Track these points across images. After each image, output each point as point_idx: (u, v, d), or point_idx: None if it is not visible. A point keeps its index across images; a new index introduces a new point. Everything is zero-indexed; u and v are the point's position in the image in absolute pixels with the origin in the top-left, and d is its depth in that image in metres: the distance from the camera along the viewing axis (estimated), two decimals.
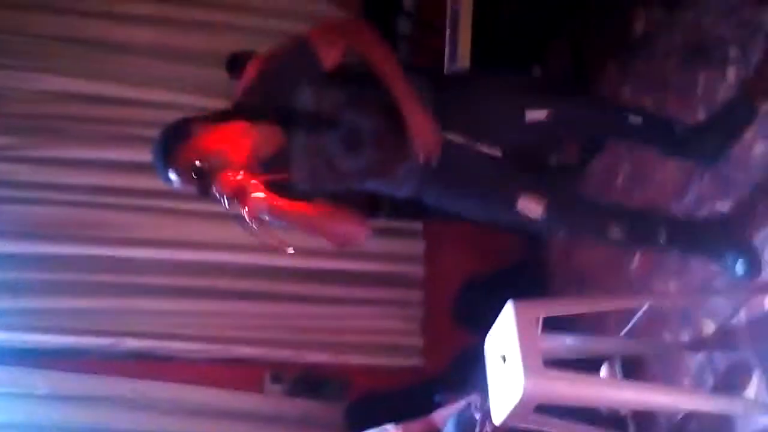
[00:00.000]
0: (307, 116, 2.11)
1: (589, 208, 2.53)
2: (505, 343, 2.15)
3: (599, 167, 3.44)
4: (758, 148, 2.41)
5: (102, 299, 3.89)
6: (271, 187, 2.04)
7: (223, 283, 3.97)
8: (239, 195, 1.99)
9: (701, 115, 2.67)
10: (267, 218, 2.04)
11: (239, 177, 2.00)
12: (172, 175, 2.05)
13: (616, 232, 2.33)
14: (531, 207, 2.26)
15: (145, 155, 3.49)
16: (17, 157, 3.90)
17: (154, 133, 3.92)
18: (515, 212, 2.27)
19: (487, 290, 4.20)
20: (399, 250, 4.20)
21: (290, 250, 2.06)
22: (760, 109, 2.39)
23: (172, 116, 3.73)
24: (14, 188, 3.88)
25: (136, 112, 4.01)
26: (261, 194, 2.01)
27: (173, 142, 2.06)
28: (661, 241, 2.36)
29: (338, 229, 2.22)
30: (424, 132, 2.13)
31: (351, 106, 2.15)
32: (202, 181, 2.00)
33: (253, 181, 2.02)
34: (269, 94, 2.12)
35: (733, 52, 2.58)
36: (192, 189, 2.05)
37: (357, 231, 2.23)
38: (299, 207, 2.12)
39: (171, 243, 3.96)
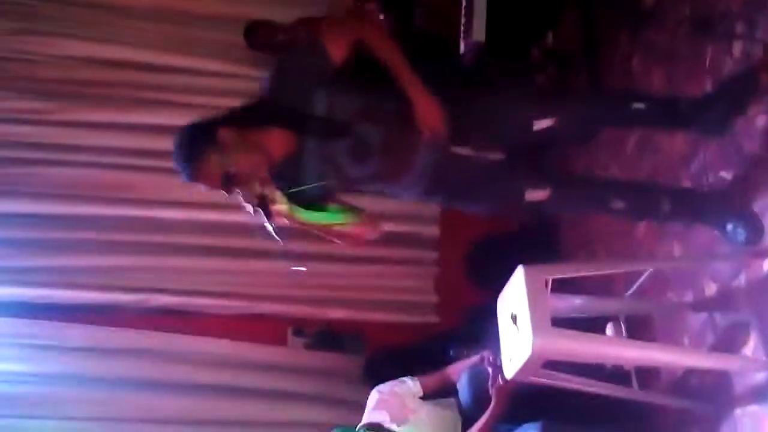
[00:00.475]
0: (319, 123, 2.20)
1: (591, 185, 2.66)
2: (516, 303, 2.30)
3: (609, 137, 3.56)
4: (761, 120, 2.52)
5: (133, 257, 4.06)
6: (289, 193, 2.19)
7: (247, 243, 4.07)
8: (263, 206, 2.14)
9: (708, 88, 2.76)
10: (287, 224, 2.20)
11: (262, 189, 2.14)
12: (197, 180, 2.15)
13: (618, 204, 2.46)
14: (537, 195, 2.39)
15: (171, 118, 3.73)
16: (47, 120, 4.04)
17: (177, 97, 4.08)
18: (524, 204, 2.41)
19: (499, 250, 4.34)
20: (415, 211, 4.31)
21: (302, 268, 2.30)
22: (764, 82, 2.47)
23: (193, 81, 4.06)
24: (48, 151, 4.03)
25: (158, 77, 4.14)
26: (284, 206, 2.17)
27: (197, 151, 2.13)
28: (664, 212, 2.47)
29: (351, 233, 2.36)
30: (430, 114, 2.22)
31: (361, 116, 2.24)
32: (228, 189, 2.14)
33: (276, 192, 2.16)
34: (286, 98, 2.21)
35: (739, 27, 2.66)
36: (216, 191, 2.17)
37: (367, 233, 2.38)
38: (316, 220, 2.28)
39: (197, 204, 4.08)
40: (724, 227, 2.49)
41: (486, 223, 4.31)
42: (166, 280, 4.06)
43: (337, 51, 2.19)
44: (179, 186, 3.91)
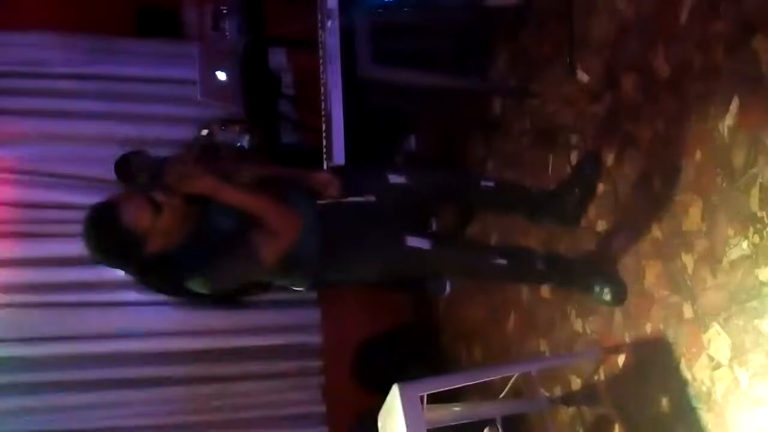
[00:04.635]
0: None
1: (472, 242, 2.71)
2: (393, 422, 2.36)
3: (473, 232, 3.74)
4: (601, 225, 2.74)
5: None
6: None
7: (124, 372, 4.02)
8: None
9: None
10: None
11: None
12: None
13: (499, 260, 2.53)
14: (419, 243, 2.41)
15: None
16: None
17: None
18: (406, 248, 2.39)
19: (382, 350, 4.43)
20: (296, 321, 4.34)
21: None
22: (605, 158, 2.69)
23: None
24: None
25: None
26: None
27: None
28: (540, 270, 2.59)
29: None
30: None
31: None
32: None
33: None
34: None
35: (573, 138, 2.91)
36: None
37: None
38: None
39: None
40: (591, 288, 2.63)
41: (367, 323, 4.43)
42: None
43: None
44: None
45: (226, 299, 2.37)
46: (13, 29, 4.22)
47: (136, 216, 2.04)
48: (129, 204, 2.06)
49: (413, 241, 2.40)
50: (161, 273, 2.16)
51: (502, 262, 2.53)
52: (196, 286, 2.16)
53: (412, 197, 2.55)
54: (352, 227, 2.40)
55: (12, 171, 4.11)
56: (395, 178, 2.50)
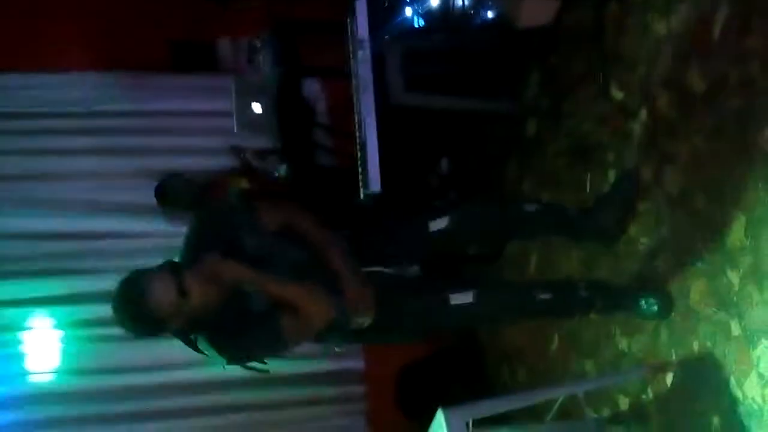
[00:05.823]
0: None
1: (514, 283, 2.69)
2: None
3: (513, 253, 3.73)
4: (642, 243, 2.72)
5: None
6: None
7: (166, 403, 4.07)
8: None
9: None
10: None
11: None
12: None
13: (544, 295, 2.50)
14: (462, 298, 2.41)
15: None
16: None
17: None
18: (450, 308, 2.40)
19: (425, 375, 4.42)
20: None
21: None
22: (644, 175, 2.66)
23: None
24: None
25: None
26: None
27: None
28: (582, 297, 2.55)
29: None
30: (359, 299, 2.31)
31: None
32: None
33: None
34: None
35: (610, 156, 2.90)
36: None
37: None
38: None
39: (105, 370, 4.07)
40: (637, 304, 2.59)
41: (409, 348, 4.42)
42: None
43: (269, 222, 2.31)
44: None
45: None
46: (51, 69, 4.32)
47: (160, 299, 2.07)
48: (155, 285, 2.09)
49: (456, 299, 2.40)
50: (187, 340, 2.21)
51: (547, 296, 2.49)
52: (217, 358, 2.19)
53: (454, 243, 2.56)
54: (392, 296, 2.40)
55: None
56: (436, 224, 2.46)
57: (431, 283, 2.51)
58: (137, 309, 2.09)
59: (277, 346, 2.25)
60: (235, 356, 2.21)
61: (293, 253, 2.32)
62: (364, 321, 2.34)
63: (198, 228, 2.35)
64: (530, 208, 2.63)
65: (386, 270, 2.46)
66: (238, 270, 2.19)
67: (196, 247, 2.27)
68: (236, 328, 2.18)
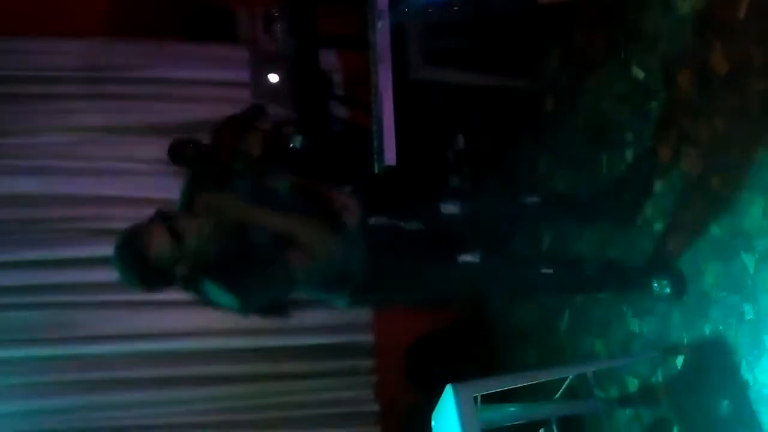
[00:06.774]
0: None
1: (521, 253, 2.67)
2: (448, 421, 2.36)
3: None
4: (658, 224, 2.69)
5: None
6: None
7: (178, 370, 4.10)
8: None
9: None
10: None
11: None
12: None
13: (547, 270, 2.51)
14: (469, 257, 2.41)
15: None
16: None
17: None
18: (456, 265, 2.40)
19: (435, 350, 4.42)
20: (347, 320, 4.35)
21: None
22: (662, 155, 2.63)
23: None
24: None
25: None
26: None
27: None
28: (589, 277, 2.54)
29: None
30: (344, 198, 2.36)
31: None
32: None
33: None
34: None
35: (628, 136, 2.86)
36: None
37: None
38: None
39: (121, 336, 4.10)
40: (649, 285, 2.57)
41: (419, 322, 4.42)
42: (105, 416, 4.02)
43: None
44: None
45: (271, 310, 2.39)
46: (65, 35, 4.31)
47: (158, 248, 2.08)
48: (149, 236, 2.10)
49: (464, 257, 2.40)
50: (199, 290, 2.19)
51: (550, 271, 2.50)
52: (227, 303, 2.17)
53: (460, 227, 2.55)
54: (400, 247, 2.42)
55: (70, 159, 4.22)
56: (448, 208, 2.49)
57: (438, 239, 2.49)
58: (140, 265, 2.10)
59: (286, 280, 2.23)
60: (248, 297, 2.18)
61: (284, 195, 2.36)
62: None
63: (193, 179, 2.37)
64: (533, 199, 2.64)
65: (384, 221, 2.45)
66: (231, 201, 2.21)
67: (189, 193, 2.29)
68: (242, 265, 2.16)
